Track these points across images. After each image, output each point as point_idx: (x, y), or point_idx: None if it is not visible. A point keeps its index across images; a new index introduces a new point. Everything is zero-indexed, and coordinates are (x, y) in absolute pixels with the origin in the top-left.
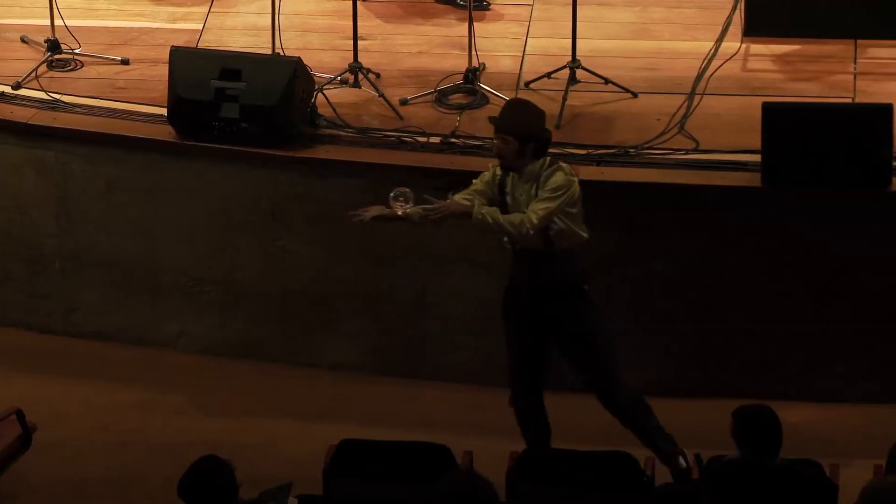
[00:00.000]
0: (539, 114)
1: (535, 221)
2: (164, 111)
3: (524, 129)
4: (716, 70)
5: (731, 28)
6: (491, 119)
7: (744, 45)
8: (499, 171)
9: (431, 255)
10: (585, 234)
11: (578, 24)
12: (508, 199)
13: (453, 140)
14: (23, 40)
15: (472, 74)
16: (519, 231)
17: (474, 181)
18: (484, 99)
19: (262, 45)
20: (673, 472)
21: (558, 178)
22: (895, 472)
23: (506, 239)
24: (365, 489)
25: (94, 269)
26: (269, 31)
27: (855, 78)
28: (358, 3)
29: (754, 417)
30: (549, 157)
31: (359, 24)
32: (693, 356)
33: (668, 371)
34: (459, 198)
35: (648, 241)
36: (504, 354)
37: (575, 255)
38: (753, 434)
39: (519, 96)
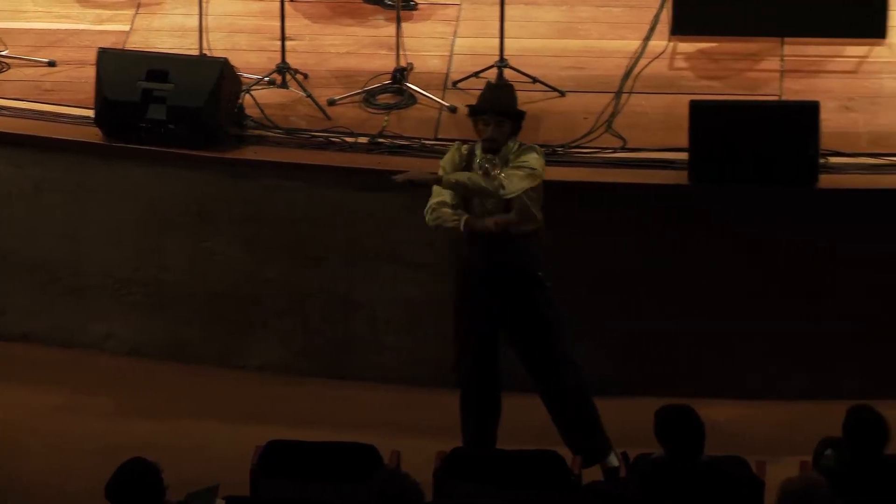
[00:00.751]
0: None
1: (510, 188)
2: (91, 113)
3: (516, 109)
4: (643, 69)
5: (659, 27)
6: (485, 102)
7: (671, 44)
8: (464, 152)
9: (359, 255)
10: (541, 218)
11: (506, 23)
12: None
13: (381, 140)
14: None
15: (400, 74)
16: (497, 190)
17: (442, 164)
18: (412, 99)
19: (189, 47)
20: (604, 471)
21: (532, 157)
22: (820, 468)
23: (462, 227)
24: (292, 490)
25: (22, 271)
26: (196, 32)
27: (782, 76)
28: (285, 3)
29: (675, 417)
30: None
31: (286, 24)
32: (621, 355)
33: (597, 370)
34: (435, 198)
35: (577, 239)
36: (433, 352)
37: (532, 240)
38: (675, 433)
39: (492, 81)
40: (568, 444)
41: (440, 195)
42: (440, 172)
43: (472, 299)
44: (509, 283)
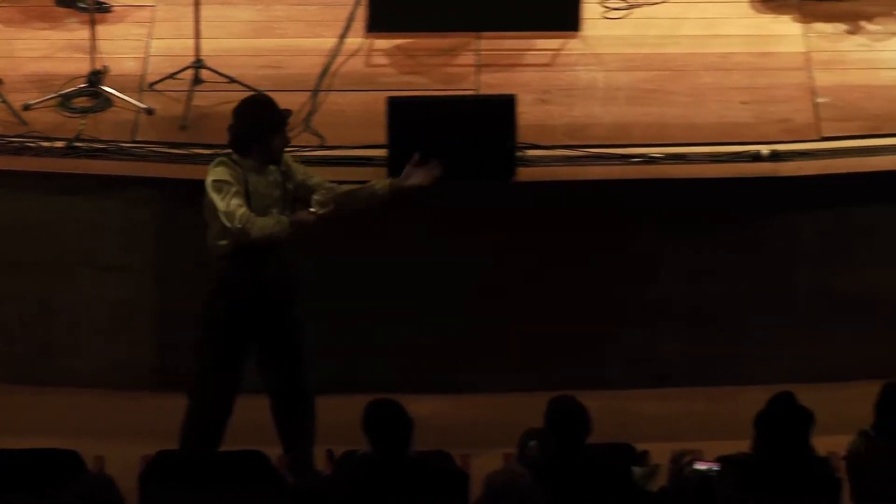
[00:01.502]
0: None
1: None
2: None
3: None
4: (340, 66)
5: (354, 24)
6: (288, 112)
7: (367, 41)
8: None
9: (58, 259)
10: None
11: (202, 23)
12: (251, 191)
13: (77, 144)
14: None
15: (95, 77)
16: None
17: (230, 183)
18: (108, 102)
19: None
20: (311, 471)
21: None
22: (524, 459)
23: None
24: None
25: None
26: None
27: (478, 70)
28: None
29: (381, 412)
30: None
31: None
32: (324, 352)
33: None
34: (238, 203)
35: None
36: (136, 356)
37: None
38: (381, 428)
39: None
40: (286, 444)
41: (239, 197)
42: (232, 188)
43: (241, 317)
44: (282, 291)
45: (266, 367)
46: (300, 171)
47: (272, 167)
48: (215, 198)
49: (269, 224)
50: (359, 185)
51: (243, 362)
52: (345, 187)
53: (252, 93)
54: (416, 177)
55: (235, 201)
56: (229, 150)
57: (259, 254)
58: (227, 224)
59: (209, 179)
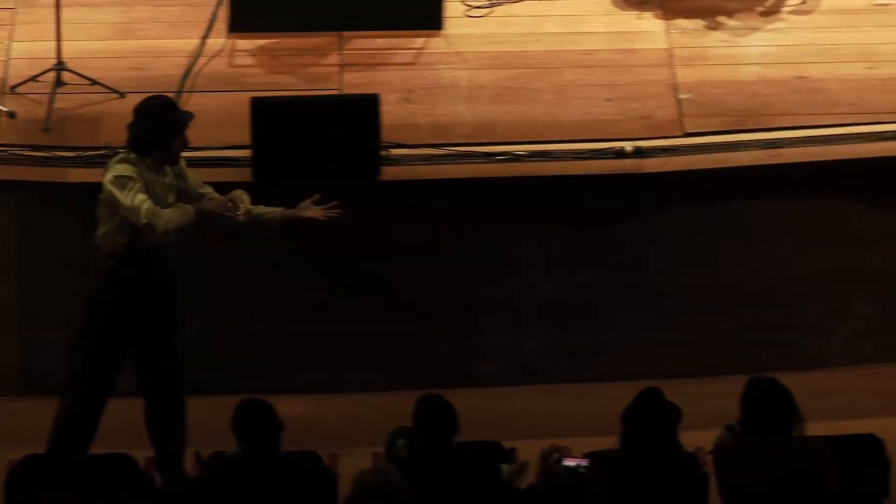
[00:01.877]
0: None
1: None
2: None
3: None
4: (203, 67)
5: (217, 24)
6: (190, 115)
7: (230, 42)
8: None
9: None
10: None
11: (63, 25)
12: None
13: None
14: None
15: None
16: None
17: (133, 179)
18: None
19: None
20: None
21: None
22: (393, 458)
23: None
24: None
25: None
26: None
27: (342, 70)
28: None
29: (251, 412)
30: None
31: None
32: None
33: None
34: (143, 198)
35: None
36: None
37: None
38: (250, 429)
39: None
40: (156, 446)
41: (143, 192)
42: (136, 183)
43: (131, 317)
44: (171, 290)
45: (144, 367)
46: (192, 176)
47: (168, 168)
48: (117, 194)
49: (175, 216)
50: (260, 210)
51: (122, 362)
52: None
53: (115, 93)
54: (312, 211)
55: (140, 196)
56: (126, 149)
57: (148, 253)
58: (134, 219)
59: (109, 175)
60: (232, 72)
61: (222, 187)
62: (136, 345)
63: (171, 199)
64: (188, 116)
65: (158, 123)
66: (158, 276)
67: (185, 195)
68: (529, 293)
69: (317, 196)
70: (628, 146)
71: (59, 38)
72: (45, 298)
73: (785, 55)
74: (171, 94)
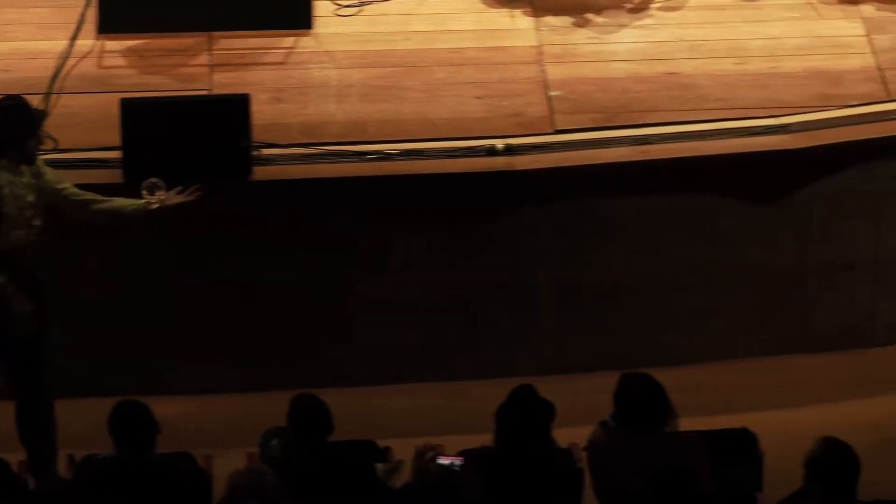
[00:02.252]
0: None
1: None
2: None
3: None
4: (72, 69)
5: (86, 26)
6: (43, 113)
7: (99, 43)
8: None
9: None
10: None
11: None
12: (6, 192)
13: None
14: None
15: None
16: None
17: None
18: None
19: None
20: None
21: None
22: (266, 458)
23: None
24: None
25: None
26: None
27: (211, 70)
28: None
29: (124, 414)
30: None
31: None
32: (67, 357)
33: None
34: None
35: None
36: None
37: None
38: (124, 430)
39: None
40: (28, 448)
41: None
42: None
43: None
44: (32, 295)
45: (11, 371)
46: (49, 173)
47: (24, 168)
48: None
49: None
50: (122, 203)
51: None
52: (107, 203)
53: None
54: (176, 199)
55: None
56: None
57: (8, 258)
58: None
59: None
60: (101, 73)
61: (92, 189)
62: (2, 349)
63: (30, 198)
64: (42, 115)
65: (12, 123)
66: (19, 279)
67: (45, 193)
68: (402, 292)
69: (179, 188)
70: (499, 144)
71: None
72: None
73: (654, 51)
74: (40, 96)
